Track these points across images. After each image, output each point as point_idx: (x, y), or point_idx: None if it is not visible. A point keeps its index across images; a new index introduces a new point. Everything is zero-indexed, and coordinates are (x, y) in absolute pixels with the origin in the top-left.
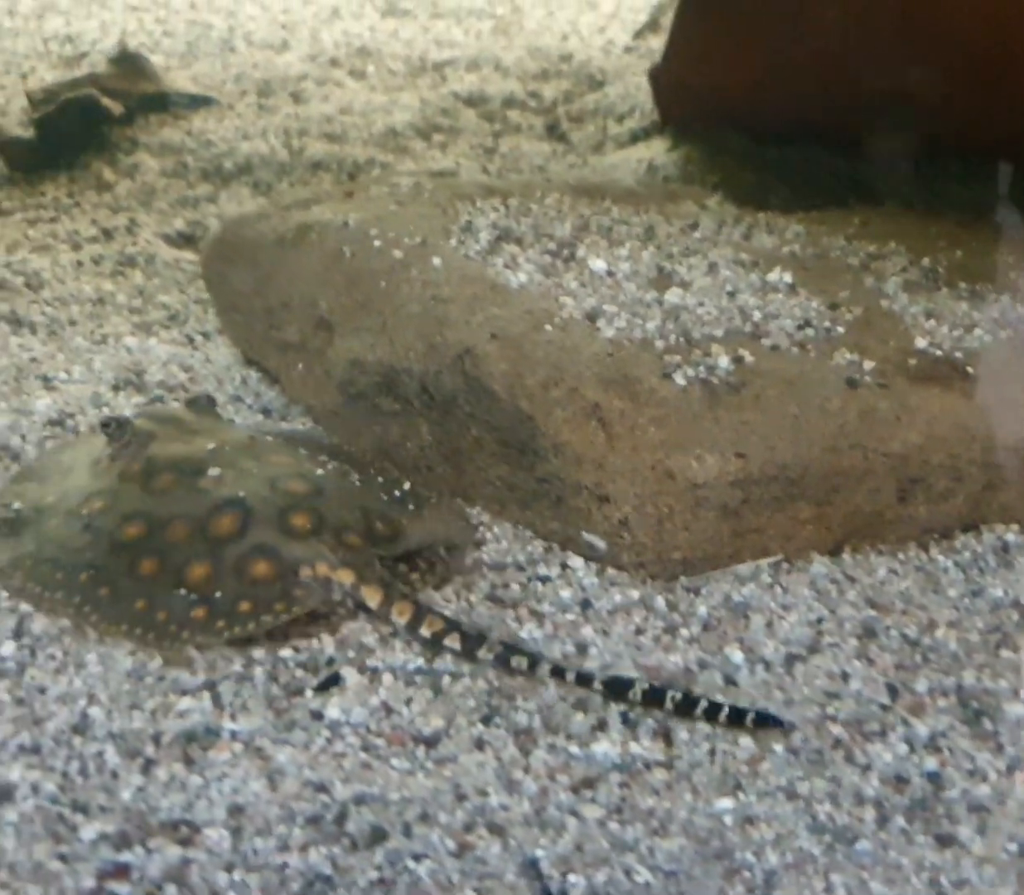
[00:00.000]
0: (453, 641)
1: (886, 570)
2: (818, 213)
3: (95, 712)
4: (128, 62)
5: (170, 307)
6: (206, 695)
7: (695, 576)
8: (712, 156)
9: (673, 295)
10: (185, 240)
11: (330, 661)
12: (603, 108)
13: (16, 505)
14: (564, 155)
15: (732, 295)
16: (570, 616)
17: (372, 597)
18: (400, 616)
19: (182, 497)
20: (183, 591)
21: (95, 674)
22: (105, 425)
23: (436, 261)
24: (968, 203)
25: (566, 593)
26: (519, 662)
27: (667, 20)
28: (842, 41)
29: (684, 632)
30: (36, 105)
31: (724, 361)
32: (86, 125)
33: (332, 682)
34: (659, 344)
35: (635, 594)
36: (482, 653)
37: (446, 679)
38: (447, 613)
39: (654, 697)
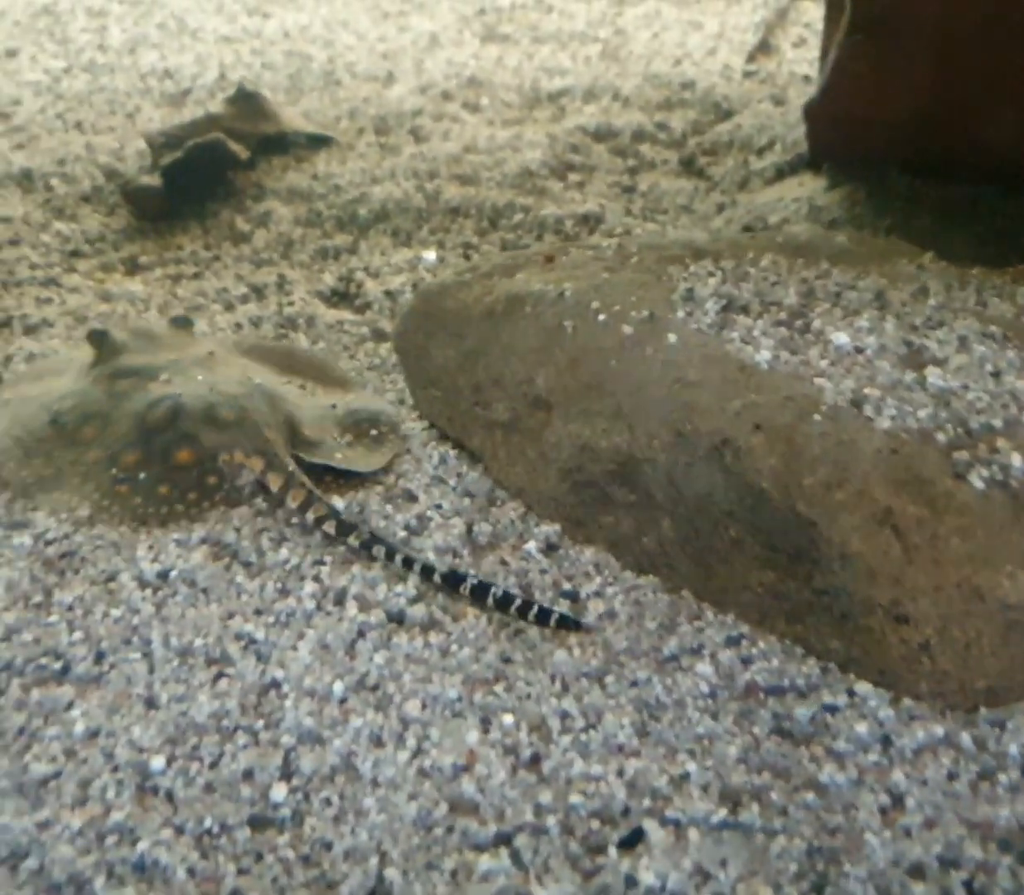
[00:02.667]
0: (329, 527)
1: None
2: None
3: (391, 874)
4: (246, 101)
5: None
6: (503, 852)
7: (995, 708)
8: (878, 197)
9: (934, 376)
10: (340, 298)
11: (626, 811)
12: (738, 140)
13: (5, 395)
14: (707, 193)
15: (996, 376)
16: (872, 757)
17: (274, 482)
18: (293, 501)
19: (133, 397)
20: (115, 471)
21: (379, 824)
22: (89, 337)
23: (671, 338)
24: None
25: (861, 728)
26: (378, 551)
27: (778, 41)
28: (1019, 74)
29: (1002, 778)
30: (157, 150)
31: (1017, 460)
32: (213, 171)
33: (635, 838)
34: (940, 437)
35: (938, 730)
36: (351, 539)
37: (759, 837)
38: (331, 502)
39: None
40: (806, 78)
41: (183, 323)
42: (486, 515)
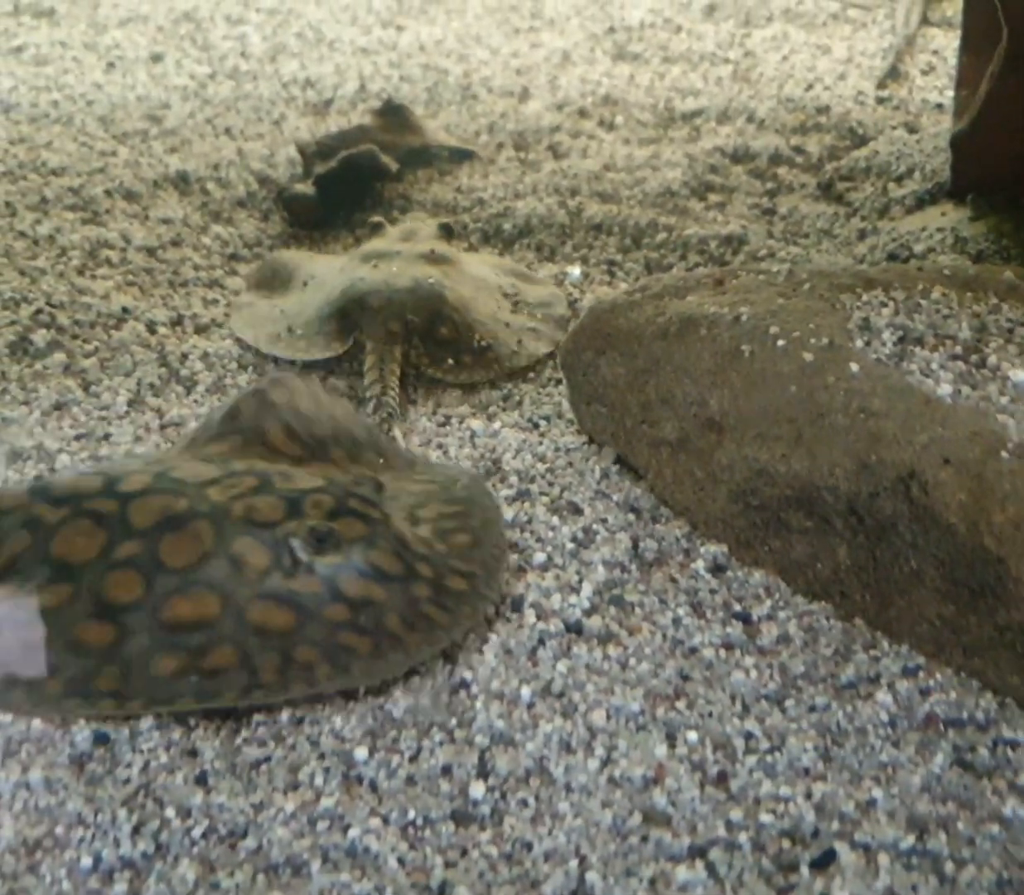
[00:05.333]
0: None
1: None
2: None
3: (592, 878)
4: (394, 114)
5: (501, 387)
6: (700, 864)
7: None
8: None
9: None
10: None
11: (815, 832)
12: (876, 167)
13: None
14: (848, 219)
15: None
16: None
17: (369, 372)
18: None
19: (348, 272)
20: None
21: (576, 828)
22: (370, 225)
23: (854, 367)
24: None
25: None
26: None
27: (905, 67)
28: None
29: None
30: (308, 158)
31: None
32: (363, 181)
33: (827, 859)
34: None
35: None
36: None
37: (948, 864)
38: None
39: None
40: (939, 106)
41: (446, 229)
42: (651, 531)
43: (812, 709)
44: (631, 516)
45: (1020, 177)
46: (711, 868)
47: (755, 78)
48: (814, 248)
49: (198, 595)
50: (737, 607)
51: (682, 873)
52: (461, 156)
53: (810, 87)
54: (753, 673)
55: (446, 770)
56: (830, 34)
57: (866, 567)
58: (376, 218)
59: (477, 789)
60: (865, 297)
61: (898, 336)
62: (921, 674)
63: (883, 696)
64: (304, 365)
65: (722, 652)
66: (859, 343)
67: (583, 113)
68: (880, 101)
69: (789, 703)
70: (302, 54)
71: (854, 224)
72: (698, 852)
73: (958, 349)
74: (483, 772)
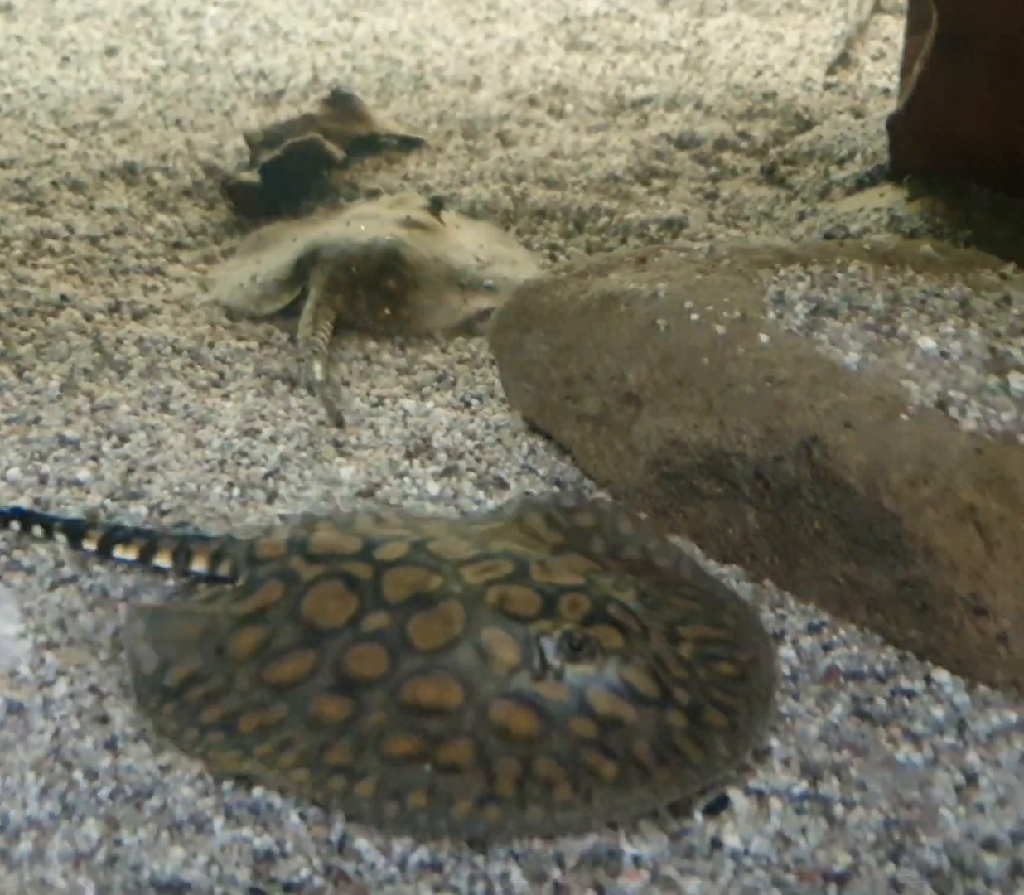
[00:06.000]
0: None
1: None
2: None
3: None
4: (341, 103)
5: (436, 367)
6: None
7: None
8: (959, 209)
9: (1017, 381)
10: None
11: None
12: (819, 151)
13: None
14: (788, 201)
15: None
16: (948, 739)
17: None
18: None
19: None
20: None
21: None
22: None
23: (763, 338)
24: None
25: (938, 712)
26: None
27: (857, 54)
28: None
29: None
30: (256, 147)
31: None
32: (309, 169)
33: (720, 805)
34: (1023, 439)
35: (1013, 716)
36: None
37: (838, 807)
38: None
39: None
40: (886, 91)
41: (436, 202)
42: None
43: None
44: (556, 489)
45: (955, 157)
46: (613, 824)
47: (706, 66)
48: (754, 230)
49: (442, 681)
50: None
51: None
52: (409, 144)
53: (759, 74)
54: None
55: None
56: (783, 22)
57: (773, 530)
58: (374, 186)
59: None
60: (782, 272)
61: (811, 308)
62: (825, 630)
63: (786, 652)
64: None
65: None
66: (772, 315)
67: (533, 102)
68: (828, 87)
69: None
70: (257, 46)
71: (794, 206)
72: None
73: (870, 319)
74: None
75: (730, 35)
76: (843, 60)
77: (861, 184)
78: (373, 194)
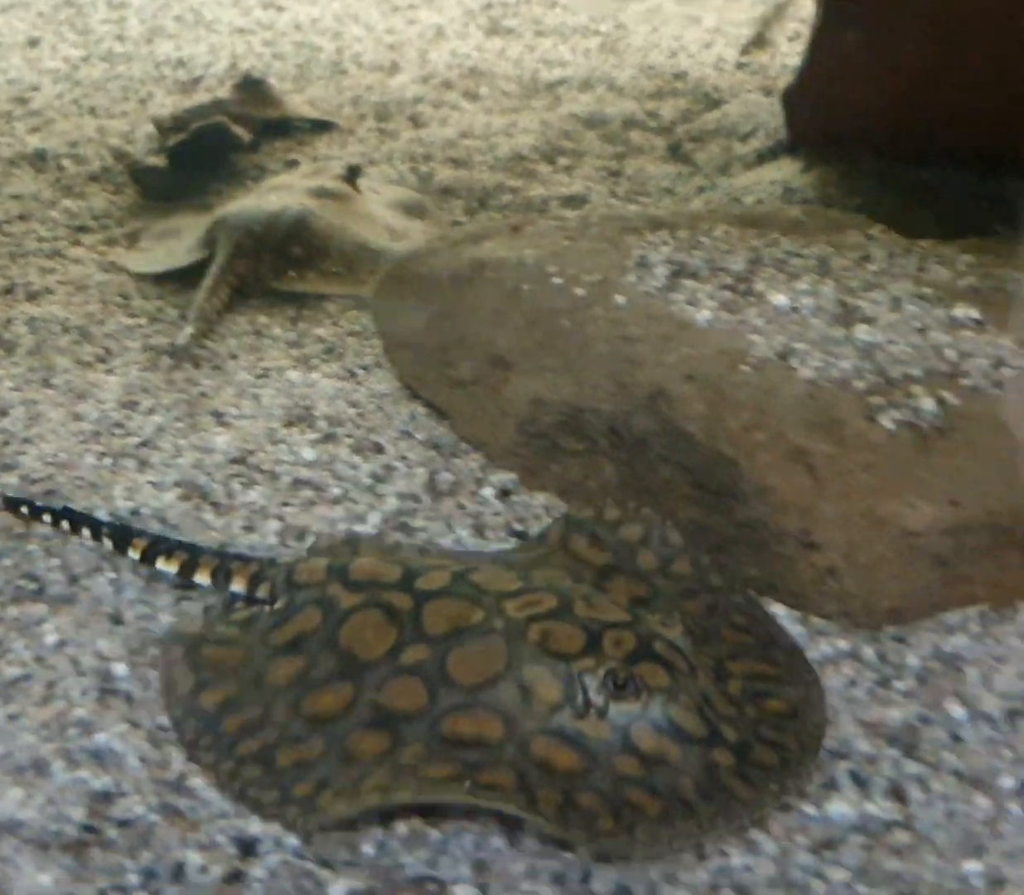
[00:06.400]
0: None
1: None
2: (980, 241)
3: None
4: (251, 87)
5: (325, 340)
6: None
7: (901, 626)
8: (849, 178)
9: (862, 332)
10: None
11: None
12: (724, 128)
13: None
14: (690, 177)
15: (922, 332)
16: None
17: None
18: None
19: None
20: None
21: None
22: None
23: (619, 299)
24: None
25: None
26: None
27: (773, 34)
28: (987, 58)
29: (899, 685)
30: (164, 132)
31: (928, 403)
32: (216, 153)
33: None
34: (858, 385)
35: (843, 644)
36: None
37: None
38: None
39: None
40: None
41: (352, 171)
42: (449, 465)
43: None
44: (432, 453)
45: (847, 127)
46: None
47: (622, 49)
48: (654, 205)
49: (482, 716)
50: (517, 526)
51: None
52: (321, 127)
53: (674, 55)
54: None
55: None
56: (704, 5)
57: (628, 481)
58: (293, 157)
59: None
60: (650, 237)
61: (671, 270)
62: None
63: None
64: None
65: None
66: (632, 278)
67: (448, 85)
68: (740, 66)
69: None
70: (179, 36)
71: (696, 182)
72: None
73: (729, 280)
74: None
75: (649, 19)
76: (759, 41)
77: (762, 159)
78: (292, 164)
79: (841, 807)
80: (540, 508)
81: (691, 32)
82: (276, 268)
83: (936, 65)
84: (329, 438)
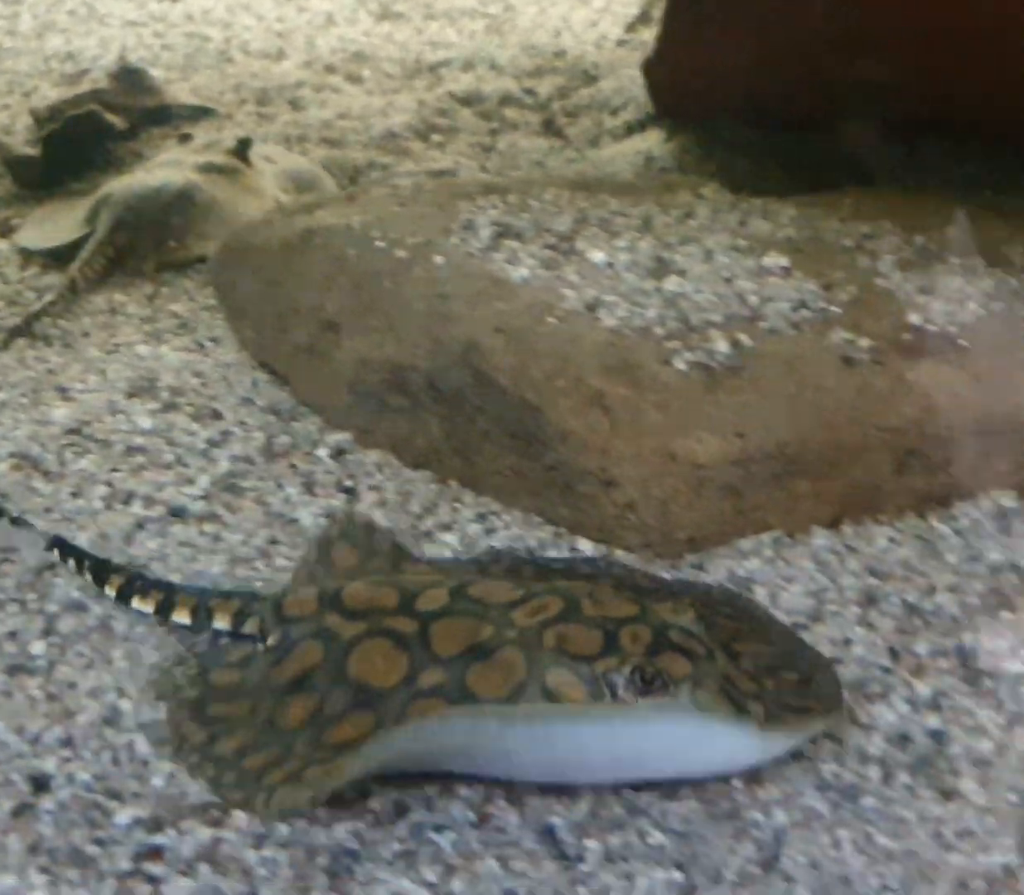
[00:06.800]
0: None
1: (885, 539)
2: (812, 197)
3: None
4: (129, 77)
5: (180, 315)
6: None
7: (700, 553)
8: (707, 145)
9: (671, 283)
10: None
11: None
12: (598, 102)
13: None
14: (561, 150)
15: (729, 281)
16: None
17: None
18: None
19: None
20: None
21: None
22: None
23: (438, 259)
24: (960, 180)
25: None
26: None
27: (658, 12)
28: (829, 26)
29: None
30: (41, 123)
31: (722, 345)
32: (91, 141)
33: None
34: (659, 331)
35: None
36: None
37: None
38: None
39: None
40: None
41: (242, 144)
42: (287, 428)
43: None
44: (272, 417)
45: (703, 97)
46: None
47: (508, 30)
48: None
49: None
50: (348, 483)
51: None
52: (200, 113)
53: (558, 35)
54: None
55: (11, 634)
56: None
57: (451, 434)
58: (187, 131)
59: (37, 646)
60: (480, 202)
61: (496, 232)
62: (492, 518)
63: (449, 537)
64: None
65: (320, 520)
66: (455, 240)
67: (331, 69)
68: (621, 43)
69: None
70: (70, 30)
71: (566, 155)
72: None
73: (553, 239)
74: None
75: (539, 0)
76: (644, 18)
77: (630, 131)
78: (186, 139)
79: None
80: (372, 466)
81: (580, 12)
82: (157, 241)
83: (788, 32)
84: (170, 407)
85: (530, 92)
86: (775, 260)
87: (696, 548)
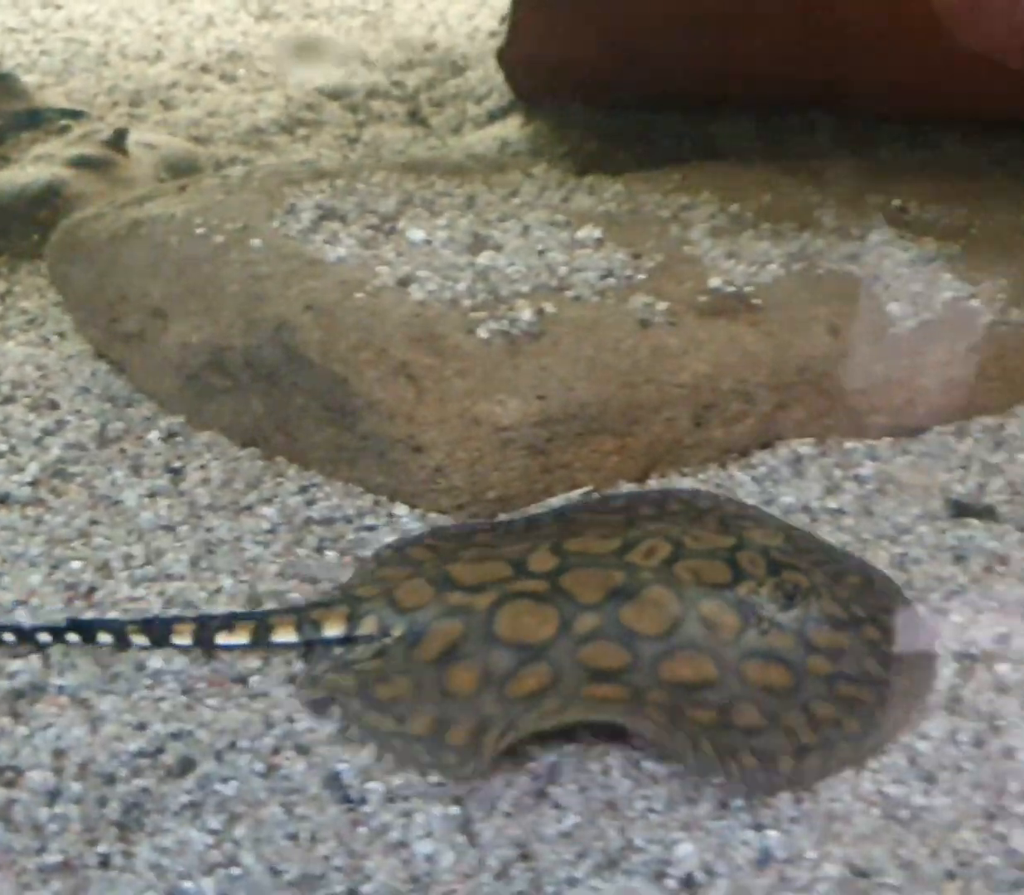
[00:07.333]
0: None
1: None
2: (645, 173)
3: None
4: None
5: (30, 311)
6: (35, 657)
7: (512, 512)
8: (560, 129)
9: (485, 257)
10: None
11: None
12: (464, 92)
13: None
14: (425, 139)
15: (542, 253)
16: None
17: None
18: None
19: None
20: None
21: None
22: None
23: (255, 242)
24: (802, 152)
25: (389, 539)
26: None
27: None
28: (668, 6)
29: None
30: None
31: (526, 314)
32: None
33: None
34: (466, 303)
35: None
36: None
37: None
38: None
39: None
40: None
41: (118, 135)
42: (121, 415)
43: (208, 530)
44: (107, 405)
45: (556, 82)
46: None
47: (385, 25)
48: None
49: (690, 658)
50: (176, 463)
51: (17, 664)
52: (72, 116)
53: (433, 28)
54: (163, 511)
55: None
56: None
57: (273, 411)
58: (65, 122)
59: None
60: (307, 187)
61: (319, 214)
62: (313, 490)
63: (269, 510)
64: None
65: (144, 500)
66: (275, 223)
67: (206, 69)
68: (493, 35)
69: (183, 528)
70: None
71: (429, 143)
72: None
73: (375, 220)
74: None
75: None
76: None
77: (493, 118)
78: (64, 130)
79: None
80: (201, 446)
81: (457, 6)
82: (24, 236)
83: (629, 13)
84: (7, 400)
85: (398, 84)
86: (589, 232)
87: (508, 507)
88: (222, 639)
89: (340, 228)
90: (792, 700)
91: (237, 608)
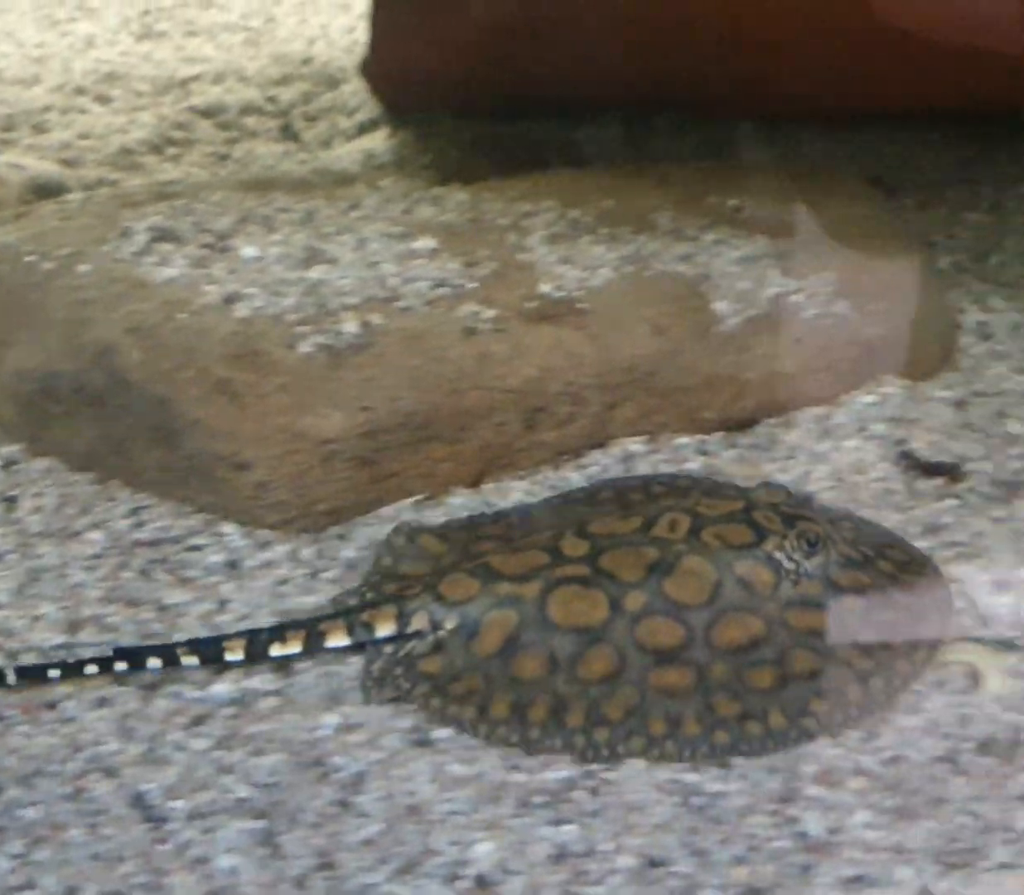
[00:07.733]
0: None
1: (521, 492)
2: (493, 182)
3: None
4: None
5: None
6: None
7: (343, 524)
8: (424, 139)
9: (316, 272)
10: None
11: None
12: (338, 105)
13: None
14: (296, 153)
15: (374, 265)
16: (216, 578)
17: None
18: None
19: None
20: None
21: None
22: None
23: (83, 268)
24: (661, 156)
25: (216, 558)
26: None
27: None
28: (522, 14)
29: (327, 575)
30: None
31: (351, 326)
32: None
33: None
34: (292, 317)
35: (283, 549)
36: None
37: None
38: None
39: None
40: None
41: None
42: None
43: (37, 557)
44: None
45: (422, 93)
46: None
47: (266, 41)
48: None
49: (737, 619)
50: (12, 492)
51: None
52: None
53: (312, 43)
54: None
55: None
56: None
57: (105, 435)
58: None
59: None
60: (145, 209)
61: (152, 236)
62: (143, 512)
63: (97, 535)
64: None
65: None
66: (107, 248)
67: (81, 91)
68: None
69: (12, 557)
70: None
71: (299, 157)
72: None
73: (210, 239)
74: None
75: (301, 11)
76: None
77: (362, 130)
78: None
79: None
80: (38, 473)
81: (340, 20)
82: None
83: (484, 22)
84: None
85: (273, 100)
86: (425, 243)
87: (338, 519)
88: (275, 651)
89: (173, 249)
90: (840, 643)
91: (56, 637)
